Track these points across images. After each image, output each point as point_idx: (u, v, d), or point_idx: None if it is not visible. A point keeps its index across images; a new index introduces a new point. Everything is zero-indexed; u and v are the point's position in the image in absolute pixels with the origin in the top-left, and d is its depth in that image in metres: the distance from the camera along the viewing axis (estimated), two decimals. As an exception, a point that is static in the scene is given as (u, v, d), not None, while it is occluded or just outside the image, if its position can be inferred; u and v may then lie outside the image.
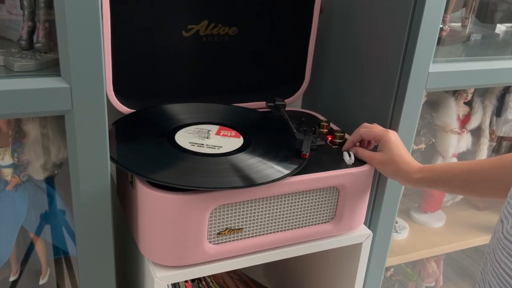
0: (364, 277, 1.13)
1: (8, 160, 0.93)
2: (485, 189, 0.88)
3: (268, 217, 0.94)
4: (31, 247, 1.05)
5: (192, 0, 1.10)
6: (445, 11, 1.22)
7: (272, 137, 1.06)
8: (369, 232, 1.07)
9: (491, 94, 1.45)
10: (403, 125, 1.08)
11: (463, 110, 1.41)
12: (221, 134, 1.03)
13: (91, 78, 0.78)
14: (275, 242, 0.97)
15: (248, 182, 0.87)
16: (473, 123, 1.43)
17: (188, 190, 0.84)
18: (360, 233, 1.06)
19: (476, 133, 1.47)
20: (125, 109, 1.08)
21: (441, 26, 1.18)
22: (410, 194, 1.58)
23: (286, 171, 0.91)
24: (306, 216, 0.98)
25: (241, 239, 0.94)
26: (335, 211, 1.01)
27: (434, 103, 1.37)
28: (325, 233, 1.02)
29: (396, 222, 1.45)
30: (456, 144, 1.41)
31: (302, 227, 0.99)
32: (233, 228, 0.92)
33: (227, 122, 1.09)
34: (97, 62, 0.78)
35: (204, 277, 1.19)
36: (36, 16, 0.87)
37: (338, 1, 1.24)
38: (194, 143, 0.98)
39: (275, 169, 0.92)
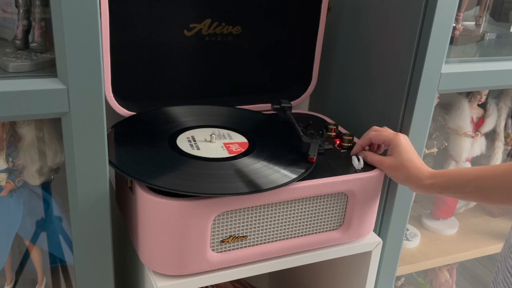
0: (374, 286, 1.12)
1: (2, 164, 0.93)
2: (499, 196, 0.87)
3: (274, 224, 0.94)
4: (26, 255, 1.04)
5: (195, -2, 1.10)
6: (458, 9, 1.21)
7: (278, 140, 1.06)
8: (379, 239, 1.06)
9: (506, 96, 1.44)
10: (414, 128, 1.07)
11: (477, 112, 1.40)
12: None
13: (89, 79, 0.78)
14: (280, 250, 0.96)
15: (253, 187, 0.86)
16: (487, 126, 1.43)
17: (190, 196, 0.83)
18: (370, 241, 1.05)
19: (491, 136, 1.46)
20: (124, 112, 1.08)
21: (454, 25, 1.17)
22: (422, 200, 1.57)
23: (293, 176, 0.91)
24: (313, 223, 0.98)
25: (245, 247, 0.93)
26: (344, 218, 1.00)
27: (446, 105, 1.37)
28: (333, 241, 1.01)
29: (407, 230, 1.44)
30: (469, 148, 1.41)
31: (309, 234, 0.98)
32: (237, 236, 0.91)
33: (231, 125, 1.08)
34: (95, 62, 0.78)
35: (207, 287, 1.19)
36: (32, 14, 0.87)
37: (346, -1, 1.24)
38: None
39: (281, 174, 0.91)
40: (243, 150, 0.98)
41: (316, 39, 1.22)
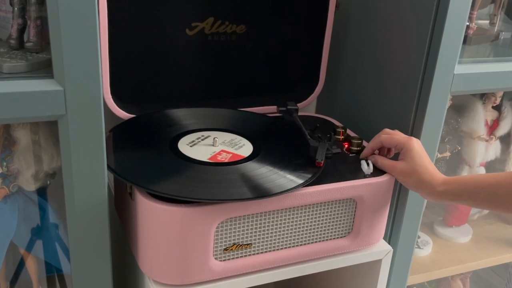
0: (384, 297, 1.11)
1: (-4, 169, 0.93)
2: None
3: (279, 231, 0.93)
4: (21, 264, 1.04)
5: (197, -4, 1.10)
6: (472, 7, 1.21)
7: (284, 144, 1.05)
8: (389, 248, 1.06)
9: (521, 98, 1.44)
10: (426, 132, 1.07)
11: (491, 115, 1.40)
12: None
13: (87, 80, 0.78)
14: (286, 258, 0.96)
15: (258, 193, 0.86)
16: (502, 129, 1.42)
17: (192, 202, 0.83)
18: (380, 249, 1.05)
19: (506, 140, 1.46)
20: (123, 114, 1.08)
21: (468, 23, 1.17)
22: (434, 207, 1.57)
23: (299, 181, 0.90)
24: (321, 231, 0.97)
25: (249, 255, 0.93)
26: (352, 225, 1.00)
27: (460, 107, 1.36)
28: (341, 249, 1.00)
29: (419, 237, 1.43)
30: (483, 152, 1.40)
31: (316, 242, 0.98)
32: (241, 244, 0.91)
33: (235, 128, 1.08)
34: (93, 63, 0.77)
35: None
36: (27, 13, 0.87)
37: (355, -3, 1.23)
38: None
39: (287, 179, 0.90)
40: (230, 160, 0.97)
41: (324, 38, 1.22)
